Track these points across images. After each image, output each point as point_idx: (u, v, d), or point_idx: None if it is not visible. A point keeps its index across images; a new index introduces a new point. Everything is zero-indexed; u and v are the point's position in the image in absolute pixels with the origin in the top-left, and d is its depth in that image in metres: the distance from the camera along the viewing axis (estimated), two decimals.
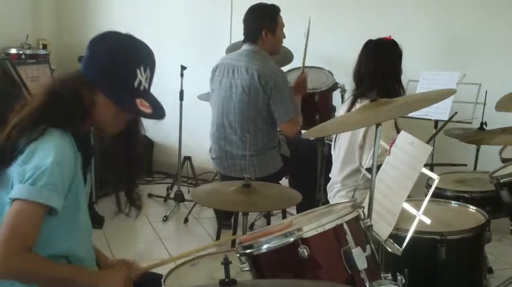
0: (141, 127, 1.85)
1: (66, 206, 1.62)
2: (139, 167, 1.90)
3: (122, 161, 1.83)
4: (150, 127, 5.06)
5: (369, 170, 2.08)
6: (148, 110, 1.70)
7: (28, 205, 1.53)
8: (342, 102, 3.79)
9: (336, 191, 3.11)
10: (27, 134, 1.60)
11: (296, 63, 4.09)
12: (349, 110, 3.02)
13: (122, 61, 1.68)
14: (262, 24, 3.55)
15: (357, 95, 3.04)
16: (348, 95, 3.38)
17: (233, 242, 3.44)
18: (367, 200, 1.97)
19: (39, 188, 1.53)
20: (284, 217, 3.65)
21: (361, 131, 2.95)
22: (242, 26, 3.64)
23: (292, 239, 1.60)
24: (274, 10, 3.61)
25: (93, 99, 1.67)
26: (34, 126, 1.61)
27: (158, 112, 1.73)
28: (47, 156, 1.56)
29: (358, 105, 2.95)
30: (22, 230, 1.53)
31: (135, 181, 1.89)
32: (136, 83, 1.68)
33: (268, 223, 3.80)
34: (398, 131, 2.85)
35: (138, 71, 1.68)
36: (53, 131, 1.62)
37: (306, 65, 3.87)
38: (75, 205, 1.67)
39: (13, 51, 4.91)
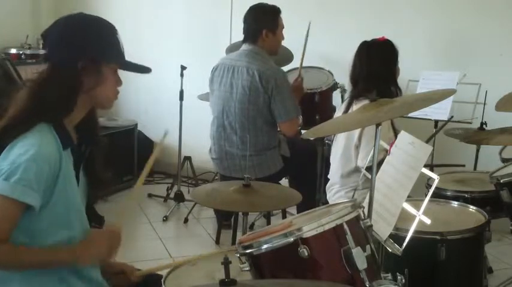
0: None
1: (54, 204, 1.63)
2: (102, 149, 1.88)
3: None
4: (150, 127, 5.15)
5: (369, 170, 2.08)
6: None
7: (1, 199, 1.55)
8: (342, 102, 3.79)
9: (335, 192, 3.11)
10: (13, 133, 1.62)
11: (296, 63, 4.09)
12: (346, 111, 3.02)
13: (104, 32, 1.75)
14: (263, 24, 3.55)
15: (353, 97, 3.04)
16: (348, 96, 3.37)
17: (233, 242, 3.46)
18: (367, 200, 1.97)
19: (12, 183, 1.55)
20: (284, 217, 3.65)
21: (357, 131, 2.94)
22: (242, 26, 3.64)
23: (292, 239, 1.60)
24: (275, 10, 3.61)
25: (100, 77, 1.70)
26: (20, 125, 1.63)
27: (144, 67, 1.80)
28: (23, 153, 1.57)
29: (354, 107, 2.94)
30: None
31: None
32: (121, 48, 1.77)
33: (268, 223, 3.80)
34: (395, 132, 2.84)
35: (117, 37, 1.76)
36: (35, 129, 1.63)
37: (305, 65, 3.86)
38: (65, 204, 1.67)
39: (13, 51, 4.92)
